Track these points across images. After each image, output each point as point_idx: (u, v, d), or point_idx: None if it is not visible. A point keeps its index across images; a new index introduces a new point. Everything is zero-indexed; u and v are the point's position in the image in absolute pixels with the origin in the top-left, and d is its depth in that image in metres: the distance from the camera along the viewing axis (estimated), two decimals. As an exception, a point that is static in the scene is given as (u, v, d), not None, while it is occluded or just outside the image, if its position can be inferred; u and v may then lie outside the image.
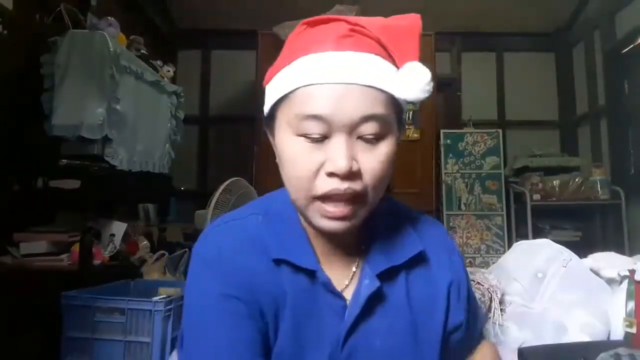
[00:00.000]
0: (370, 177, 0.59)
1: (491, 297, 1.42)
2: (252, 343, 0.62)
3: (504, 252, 2.78)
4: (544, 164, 3.52)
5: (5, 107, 1.97)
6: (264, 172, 3.04)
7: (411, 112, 3.24)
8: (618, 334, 1.38)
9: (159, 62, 2.76)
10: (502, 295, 1.46)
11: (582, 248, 1.79)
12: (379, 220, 0.71)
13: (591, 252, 1.66)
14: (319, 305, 0.65)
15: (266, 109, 0.67)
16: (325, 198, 0.59)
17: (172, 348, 1.73)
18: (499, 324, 1.40)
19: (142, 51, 2.49)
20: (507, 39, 4.11)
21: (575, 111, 3.95)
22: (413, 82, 0.59)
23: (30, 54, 2.07)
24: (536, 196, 3.35)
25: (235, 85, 4.05)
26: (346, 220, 0.60)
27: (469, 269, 1.55)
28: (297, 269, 0.65)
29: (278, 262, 0.65)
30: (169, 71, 2.82)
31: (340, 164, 0.57)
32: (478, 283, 1.45)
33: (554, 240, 1.62)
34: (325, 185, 0.58)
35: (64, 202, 2.08)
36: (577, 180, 3.34)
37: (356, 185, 0.59)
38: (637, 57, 3.19)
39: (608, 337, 1.41)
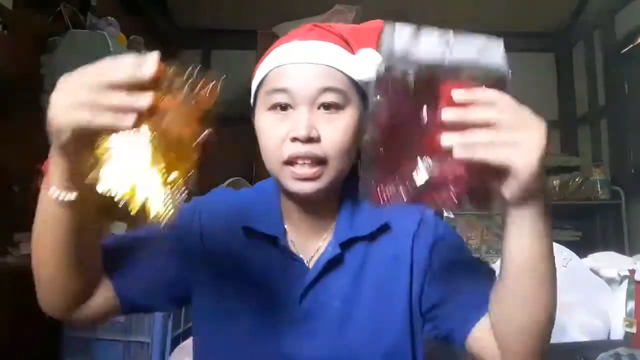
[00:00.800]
0: (329, 143, 0.68)
1: (491, 297, 1.42)
2: (164, 274, 0.74)
3: (504, 252, 2.78)
4: (544, 164, 3.51)
5: (6, 107, 1.97)
6: (264, 172, 3.03)
7: (411, 112, 3.24)
8: (618, 334, 1.38)
9: (159, 62, 2.76)
10: (502, 295, 1.46)
11: (582, 248, 1.79)
12: (350, 198, 0.78)
13: (591, 252, 1.66)
14: (280, 269, 0.74)
15: (252, 100, 0.78)
16: (292, 162, 0.69)
17: (172, 348, 1.73)
18: (499, 324, 1.40)
19: (142, 51, 2.49)
20: (507, 39, 4.06)
21: (575, 111, 3.95)
22: (365, 63, 0.69)
23: (30, 54, 2.07)
24: (536, 196, 3.34)
25: (235, 85, 4.02)
26: (312, 181, 0.69)
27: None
28: (263, 236, 0.74)
29: (247, 229, 0.75)
30: (169, 71, 2.82)
31: (301, 131, 0.66)
32: (478, 283, 1.44)
33: (553, 240, 1.62)
34: (289, 149, 0.68)
35: (64, 202, 2.08)
36: (577, 180, 3.33)
37: (316, 150, 0.68)
38: (637, 57, 3.19)
39: (608, 337, 1.41)
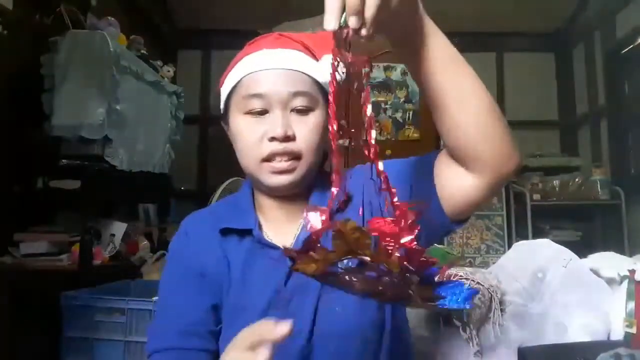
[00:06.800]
0: (302, 140, 0.76)
1: (491, 297, 1.43)
2: (207, 313, 0.79)
3: (504, 252, 2.78)
4: (544, 164, 3.51)
5: (5, 107, 1.97)
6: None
7: (411, 112, 3.24)
8: (618, 334, 1.39)
9: (159, 62, 2.76)
10: (502, 295, 1.46)
11: (582, 248, 1.79)
12: (320, 186, 0.83)
13: (591, 252, 1.66)
14: (261, 259, 0.79)
15: (222, 106, 0.83)
16: (269, 159, 0.76)
17: (172, 348, 1.73)
18: (499, 324, 1.41)
19: (142, 51, 2.49)
20: (507, 39, 4.10)
21: (575, 111, 3.95)
22: (328, 67, 0.73)
23: (30, 54, 2.07)
24: (536, 196, 3.34)
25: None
26: (288, 174, 0.76)
27: (468, 269, 1.55)
28: (240, 232, 0.81)
29: (224, 231, 0.81)
30: (169, 71, 2.82)
31: (278, 130, 0.74)
32: (478, 283, 1.45)
33: (554, 240, 1.62)
34: (268, 147, 0.75)
35: (64, 202, 2.08)
36: (577, 180, 3.34)
37: (292, 146, 0.76)
38: (637, 57, 3.19)
39: (608, 337, 1.41)
